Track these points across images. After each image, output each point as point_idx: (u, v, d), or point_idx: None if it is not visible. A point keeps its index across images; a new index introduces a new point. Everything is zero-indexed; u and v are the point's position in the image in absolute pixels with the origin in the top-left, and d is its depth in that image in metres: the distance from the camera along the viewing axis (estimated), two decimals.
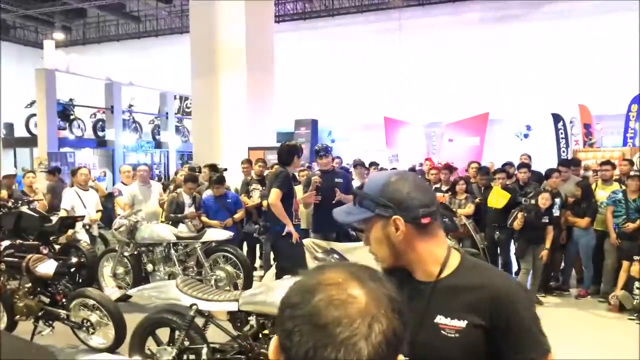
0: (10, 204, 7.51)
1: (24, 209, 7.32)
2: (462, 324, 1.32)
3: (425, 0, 18.21)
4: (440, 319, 1.35)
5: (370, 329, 0.74)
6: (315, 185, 5.91)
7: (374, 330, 0.75)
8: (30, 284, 5.03)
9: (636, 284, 6.31)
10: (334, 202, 5.98)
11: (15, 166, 15.32)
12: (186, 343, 3.97)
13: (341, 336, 0.73)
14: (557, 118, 13.71)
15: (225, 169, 8.87)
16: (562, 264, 7.56)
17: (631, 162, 7.95)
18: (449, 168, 8.39)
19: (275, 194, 5.24)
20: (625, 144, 12.47)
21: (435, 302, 1.36)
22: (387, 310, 0.77)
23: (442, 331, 1.34)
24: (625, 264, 6.47)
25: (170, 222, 7.04)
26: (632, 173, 7.09)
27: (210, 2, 11.93)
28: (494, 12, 17.44)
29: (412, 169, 11.09)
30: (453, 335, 1.33)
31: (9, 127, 18.55)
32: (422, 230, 1.38)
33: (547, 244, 6.72)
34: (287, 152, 5.45)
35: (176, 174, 10.02)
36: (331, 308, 0.75)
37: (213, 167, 8.59)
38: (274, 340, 0.81)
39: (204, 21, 12.08)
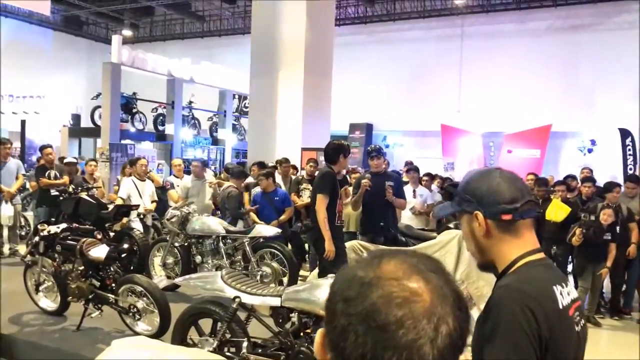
0: (70, 189, 7.81)
1: (83, 195, 7.59)
2: (480, 316, 1.38)
3: (489, 7, 17.78)
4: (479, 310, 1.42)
5: (437, 331, 0.67)
6: (365, 189, 5.79)
7: (441, 332, 0.67)
8: (83, 267, 5.18)
9: None
10: (383, 204, 5.88)
11: (80, 155, 15.96)
12: (227, 335, 3.96)
13: (404, 339, 0.66)
14: (625, 134, 13.09)
15: (275, 167, 8.90)
16: (625, 285, 7.13)
17: None
18: None
19: (320, 200, 5.13)
20: None
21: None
22: (454, 308, 0.70)
23: (477, 320, 1.39)
24: None
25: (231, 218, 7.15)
26: None
27: (272, 2, 12.07)
28: (562, 20, 16.80)
29: None
30: (478, 326, 1.37)
31: (76, 118, 19.39)
32: (504, 227, 1.41)
33: (609, 263, 6.35)
34: (333, 150, 5.38)
35: (226, 170, 10.15)
36: (393, 307, 0.67)
37: (261, 165, 8.64)
38: (319, 336, 0.74)
39: (266, 22, 12.22)
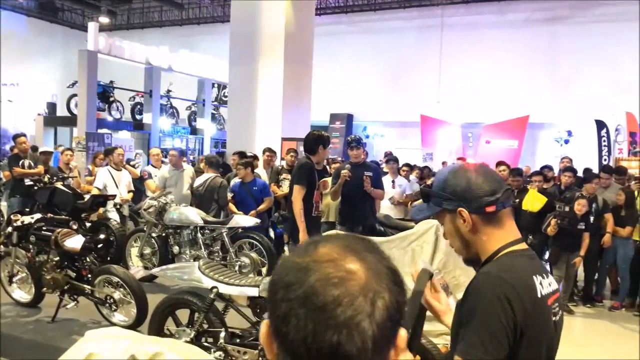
0: (46, 179, 7.68)
1: (59, 185, 7.47)
2: (458, 301, 1.44)
3: None
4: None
5: (374, 306, 0.68)
6: (345, 179, 5.78)
7: (378, 307, 0.69)
8: (58, 258, 5.11)
9: None
10: (362, 195, 5.89)
11: (55, 144, 15.70)
12: (205, 326, 3.95)
13: (342, 317, 0.67)
14: (600, 125, 13.31)
15: (255, 156, 8.86)
16: (597, 273, 7.29)
17: None
18: None
19: (296, 191, 5.13)
20: None
21: None
22: (390, 283, 0.71)
23: (456, 306, 1.47)
24: None
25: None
26: None
27: None
28: (541, 12, 16.96)
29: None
30: (457, 312, 1.44)
31: (52, 106, 19.03)
32: (488, 219, 1.44)
33: (582, 252, 6.48)
34: (313, 140, 5.37)
35: (201, 161, 10.10)
36: (330, 287, 0.68)
37: (241, 154, 8.59)
38: (264, 327, 0.74)
39: (245, 10, 12.10)
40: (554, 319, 1.42)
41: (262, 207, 7.27)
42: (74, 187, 8.15)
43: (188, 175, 8.08)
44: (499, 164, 7.87)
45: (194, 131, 18.35)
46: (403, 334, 0.73)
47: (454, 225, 1.46)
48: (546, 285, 1.41)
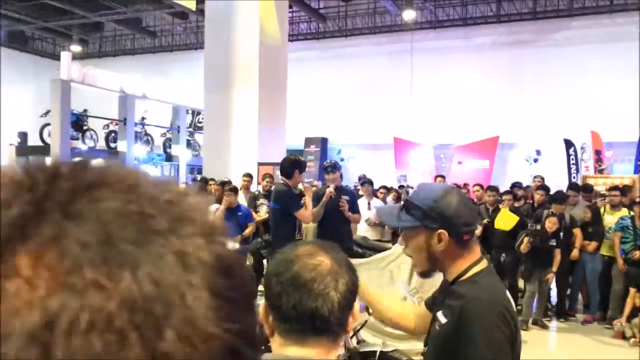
0: None
1: None
2: (444, 320, 1.54)
3: (437, 23, 18.40)
4: (439, 314, 1.57)
5: (337, 282, 1.04)
6: (329, 197, 5.90)
7: (340, 282, 1.04)
8: None
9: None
10: (339, 218, 6.04)
11: None
12: None
13: (317, 289, 1.02)
14: (568, 144, 13.74)
15: (229, 182, 8.92)
16: (569, 288, 7.51)
17: None
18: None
19: (304, 213, 5.34)
20: (636, 171, 12.44)
21: (444, 299, 1.59)
22: (347, 269, 1.08)
23: (436, 323, 1.59)
24: (632, 291, 6.44)
25: None
26: (638, 199, 7.08)
27: (225, 18, 12.15)
28: (506, 37, 17.56)
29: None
30: (438, 328, 1.57)
31: (23, 135, 18.81)
32: (462, 244, 1.55)
33: (554, 268, 6.70)
34: (290, 165, 5.51)
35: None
36: (308, 271, 1.03)
37: (223, 183, 8.66)
38: (263, 307, 1.07)
39: (219, 37, 12.28)
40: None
41: (247, 231, 7.39)
42: None
43: None
44: (475, 185, 8.54)
45: (169, 158, 18.31)
46: (356, 305, 1.09)
47: (427, 242, 1.55)
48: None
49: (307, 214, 5.26)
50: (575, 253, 7.03)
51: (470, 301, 1.49)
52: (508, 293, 1.57)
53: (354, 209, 6.29)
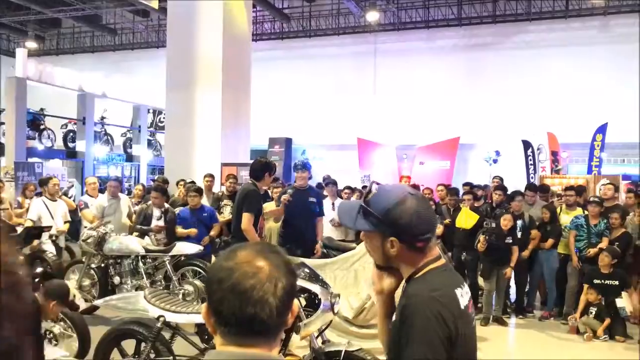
0: None
1: None
2: (394, 318, 1.60)
3: (400, 25, 18.62)
4: (395, 313, 1.60)
5: (276, 287, 1.08)
6: (284, 203, 5.98)
7: (278, 287, 1.08)
8: None
9: (591, 309, 6.56)
10: (306, 219, 6.11)
11: None
12: (152, 355, 3.95)
13: (257, 296, 1.06)
14: (526, 145, 14.10)
15: (193, 182, 8.86)
16: (527, 285, 7.72)
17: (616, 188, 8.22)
18: (416, 188, 8.60)
19: (247, 219, 5.23)
20: (589, 171, 12.89)
21: (400, 298, 1.61)
22: (285, 271, 1.11)
23: (392, 320, 1.64)
24: (585, 287, 6.68)
25: (137, 234, 7.01)
26: (591, 199, 7.33)
27: (188, 17, 12.01)
28: (467, 39, 17.93)
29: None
30: (391, 326, 1.63)
31: None
32: (414, 249, 1.58)
33: (512, 263, 6.88)
34: (261, 167, 5.52)
35: (144, 190, 10.03)
36: (248, 278, 1.07)
37: (193, 184, 8.57)
38: (205, 308, 1.11)
39: (181, 36, 12.13)
40: (473, 324, 1.63)
41: (214, 232, 7.38)
42: (6, 219, 7.86)
43: (125, 204, 7.98)
44: (438, 185, 8.73)
45: (129, 158, 18.00)
46: (295, 302, 1.14)
47: (382, 245, 1.58)
48: (465, 294, 1.59)
49: (247, 221, 5.23)
50: (526, 253, 7.20)
51: (410, 298, 1.51)
52: (461, 290, 1.57)
53: (320, 210, 6.38)
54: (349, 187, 9.51)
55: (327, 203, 8.40)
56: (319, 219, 6.48)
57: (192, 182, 8.81)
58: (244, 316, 1.05)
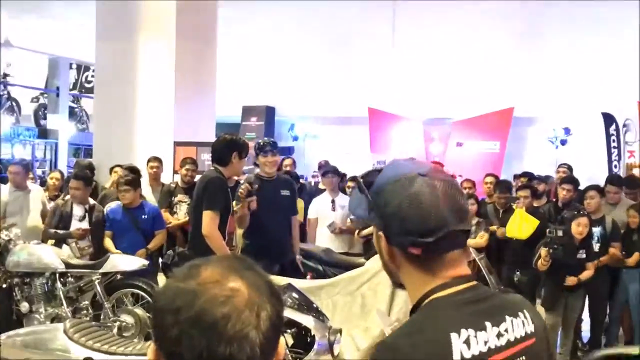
0: None
1: None
2: None
3: None
4: None
5: (259, 317, 1.04)
6: (245, 195, 5.81)
7: (262, 317, 1.05)
8: None
9: None
10: (277, 221, 6.08)
11: None
12: None
13: (232, 330, 1.01)
14: (608, 119, 14.08)
15: (135, 170, 8.79)
16: (607, 318, 7.73)
17: None
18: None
19: (209, 220, 5.21)
20: None
21: None
22: (269, 296, 1.08)
23: None
24: None
25: (52, 242, 7.01)
26: None
27: None
28: None
29: None
30: None
31: None
32: (412, 259, 1.49)
33: (583, 275, 6.74)
34: (225, 147, 5.51)
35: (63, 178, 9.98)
36: (218, 305, 1.02)
37: (132, 170, 8.53)
38: (152, 353, 1.08)
39: None
40: None
41: (154, 243, 7.33)
42: None
43: (37, 199, 7.96)
44: (487, 176, 8.67)
45: (43, 133, 17.94)
46: (282, 341, 1.11)
47: (377, 243, 1.56)
48: (491, 337, 1.46)
49: (209, 222, 5.20)
50: (589, 270, 6.96)
51: (375, 345, 1.50)
52: (463, 336, 1.43)
53: (292, 208, 6.40)
54: (353, 179, 9.52)
55: (324, 200, 8.43)
56: (294, 218, 6.54)
57: (132, 168, 8.77)
58: (214, 359, 1.00)
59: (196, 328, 1.01)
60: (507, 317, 1.49)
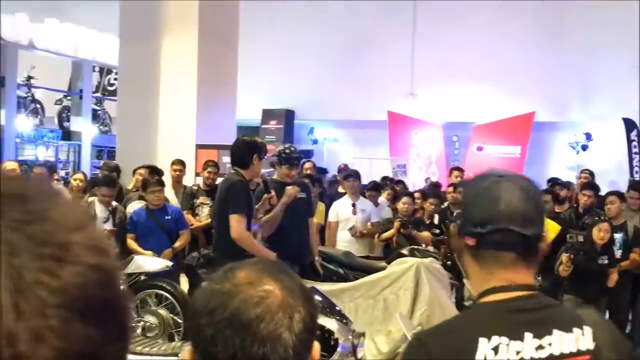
0: None
1: None
2: None
3: None
4: None
5: (292, 319, 1.06)
6: (267, 203, 5.87)
7: (295, 319, 1.06)
8: None
9: None
10: (295, 224, 6.09)
11: None
12: None
13: (265, 331, 1.03)
14: (630, 125, 13.97)
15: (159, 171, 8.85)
16: (628, 326, 7.68)
17: None
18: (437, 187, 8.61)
19: (236, 223, 5.21)
20: None
21: None
22: (302, 299, 1.10)
23: None
24: None
25: None
26: None
27: None
28: None
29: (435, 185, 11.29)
30: None
31: None
32: (471, 251, 1.58)
33: (610, 282, 6.72)
34: (245, 149, 5.54)
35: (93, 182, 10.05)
36: (252, 306, 1.05)
37: (154, 170, 8.59)
38: (188, 353, 1.10)
39: None
40: None
41: (180, 242, 7.36)
42: None
43: None
44: None
45: (66, 135, 18.05)
46: (317, 346, 1.12)
47: (452, 238, 1.69)
48: (523, 347, 1.45)
49: (237, 225, 5.19)
50: (613, 276, 6.96)
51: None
52: (493, 343, 1.45)
53: (309, 210, 6.42)
54: (375, 185, 9.47)
55: (345, 203, 8.42)
56: (311, 220, 6.57)
57: (154, 168, 8.82)
58: (248, 359, 1.02)
59: (230, 328, 1.03)
60: (555, 330, 1.49)
